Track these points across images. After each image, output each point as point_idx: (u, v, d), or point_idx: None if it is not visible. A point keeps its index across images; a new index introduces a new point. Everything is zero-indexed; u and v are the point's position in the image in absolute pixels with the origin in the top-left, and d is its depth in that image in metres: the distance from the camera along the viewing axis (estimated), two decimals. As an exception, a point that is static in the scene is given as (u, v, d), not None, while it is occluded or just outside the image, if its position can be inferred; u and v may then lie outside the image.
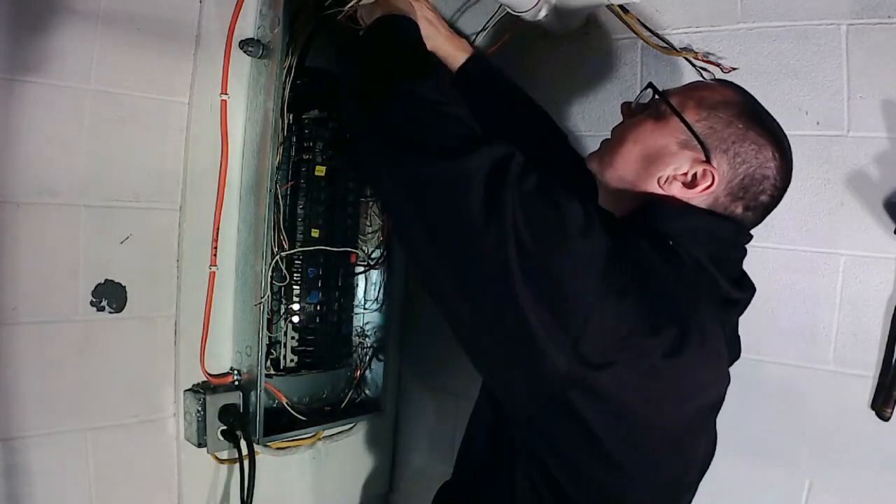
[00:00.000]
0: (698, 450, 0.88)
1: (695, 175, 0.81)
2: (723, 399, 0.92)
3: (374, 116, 0.77)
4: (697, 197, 0.82)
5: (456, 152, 0.71)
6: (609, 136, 0.94)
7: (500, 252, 0.67)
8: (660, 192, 0.84)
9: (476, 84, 1.22)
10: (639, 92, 0.92)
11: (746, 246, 0.88)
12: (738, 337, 0.96)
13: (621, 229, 0.76)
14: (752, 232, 0.88)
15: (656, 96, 0.87)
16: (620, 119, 0.94)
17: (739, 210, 0.83)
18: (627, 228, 0.79)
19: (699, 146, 0.81)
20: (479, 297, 0.71)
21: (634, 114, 0.90)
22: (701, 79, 1.12)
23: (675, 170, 0.82)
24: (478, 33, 1.53)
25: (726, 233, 0.83)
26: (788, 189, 0.86)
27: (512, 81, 1.30)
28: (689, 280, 0.78)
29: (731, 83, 0.90)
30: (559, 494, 0.80)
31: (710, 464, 0.93)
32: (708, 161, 0.81)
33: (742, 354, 1.02)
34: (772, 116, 0.87)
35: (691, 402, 0.81)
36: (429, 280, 0.76)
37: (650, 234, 0.79)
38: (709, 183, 0.81)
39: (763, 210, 0.85)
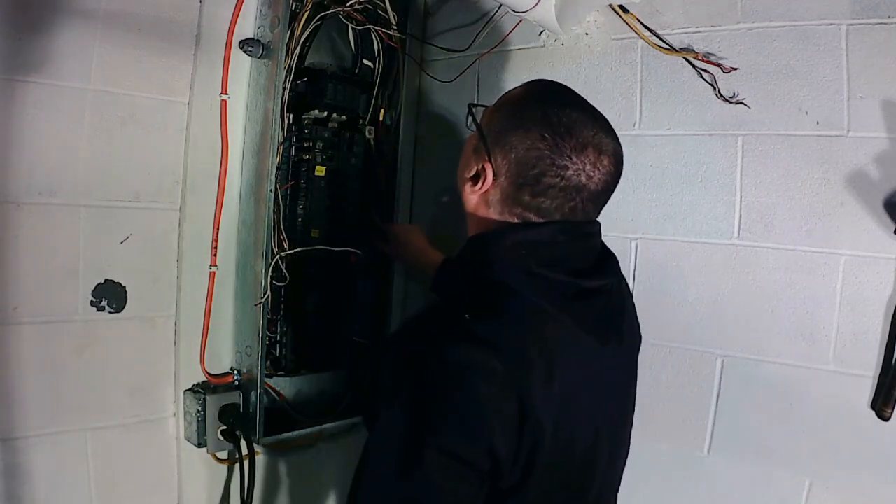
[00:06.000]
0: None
1: (478, 173, 0.86)
2: (623, 380, 0.94)
3: None
4: (487, 194, 0.85)
5: None
6: None
7: None
8: (471, 199, 0.87)
9: None
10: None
11: (600, 237, 0.89)
12: (616, 320, 0.92)
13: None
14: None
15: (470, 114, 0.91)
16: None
17: (527, 197, 0.82)
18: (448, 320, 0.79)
19: (484, 148, 0.85)
20: None
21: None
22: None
23: (468, 173, 0.87)
24: (478, 33, 1.54)
25: (539, 235, 0.82)
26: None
27: None
28: (518, 316, 0.78)
29: (541, 80, 0.92)
30: None
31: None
32: (489, 158, 0.84)
33: (742, 354, 1.01)
34: (565, 100, 0.85)
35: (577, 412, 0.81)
36: None
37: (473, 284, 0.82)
38: (486, 177, 0.84)
39: (561, 193, 0.81)
